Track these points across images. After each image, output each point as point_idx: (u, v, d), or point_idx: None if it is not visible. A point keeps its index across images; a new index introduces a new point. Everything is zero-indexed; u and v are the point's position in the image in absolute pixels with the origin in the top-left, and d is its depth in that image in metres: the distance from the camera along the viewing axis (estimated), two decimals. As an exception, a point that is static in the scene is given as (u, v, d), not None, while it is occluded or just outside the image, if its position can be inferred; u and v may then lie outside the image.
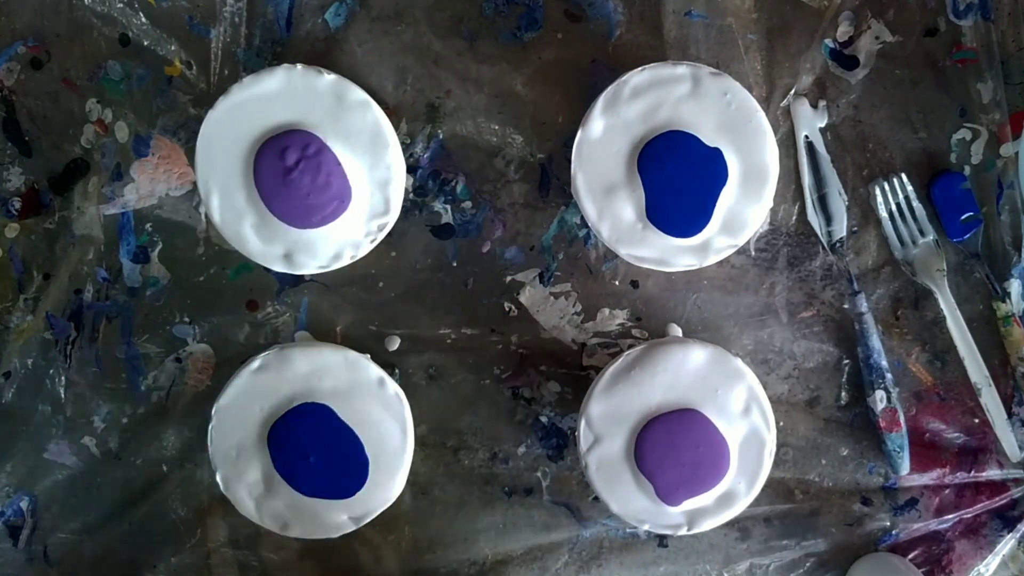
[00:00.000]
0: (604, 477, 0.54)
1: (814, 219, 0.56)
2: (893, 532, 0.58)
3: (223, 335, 0.58)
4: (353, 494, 0.54)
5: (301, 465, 0.54)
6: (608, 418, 0.53)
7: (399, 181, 0.53)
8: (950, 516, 0.58)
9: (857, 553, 0.58)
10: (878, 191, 0.56)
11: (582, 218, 0.55)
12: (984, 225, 0.56)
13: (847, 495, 0.58)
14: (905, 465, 0.56)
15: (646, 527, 0.54)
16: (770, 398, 0.54)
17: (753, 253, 0.57)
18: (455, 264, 0.57)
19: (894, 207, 0.56)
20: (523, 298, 0.57)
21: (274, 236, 0.52)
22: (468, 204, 0.56)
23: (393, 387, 0.54)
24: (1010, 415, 0.56)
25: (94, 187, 0.56)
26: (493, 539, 0.58)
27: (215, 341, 0.58)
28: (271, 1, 0.55)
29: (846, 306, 0.57)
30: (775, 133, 0.53)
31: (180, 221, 0.57)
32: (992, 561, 0.58)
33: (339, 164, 0.51)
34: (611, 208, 0.52)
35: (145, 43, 0.55)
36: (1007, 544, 0.58)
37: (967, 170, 0.56)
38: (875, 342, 0.56)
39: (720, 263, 0.54)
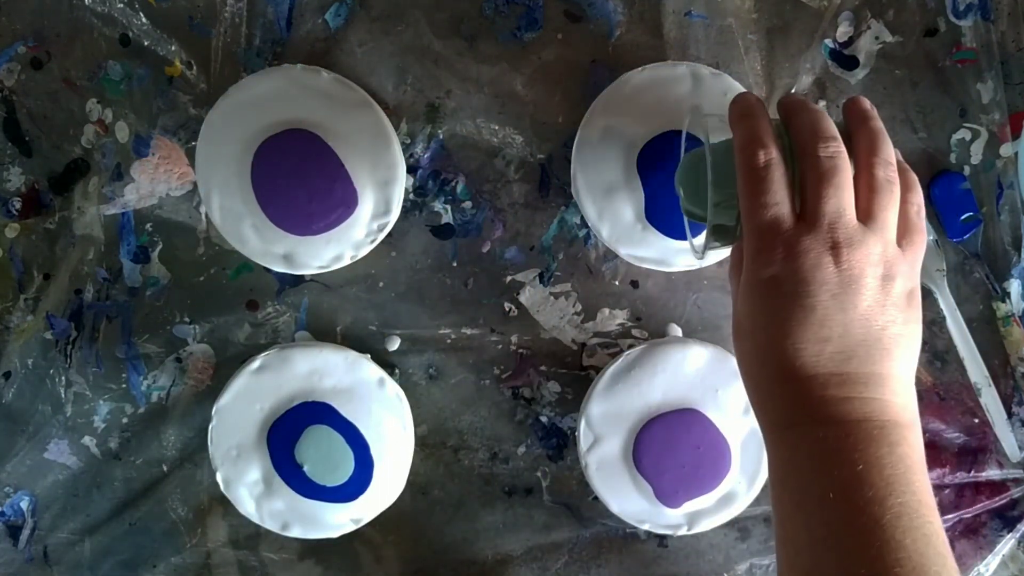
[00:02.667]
0: (604, 477, 0.54)
1: (814, 219, 0.56)
2: (893, 532, 0.58)
3: (223, 335, 0.58)
4: (357, 497, 0.54)
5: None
6: (608, 418, 0.53)
7: (399, 181, 0.53)
8: (950, 516, 0.58)
9: (857, 553, 0.58)
10: (878, 191, 0.56)
11: (582, 218, 0.55)
12: (984, 225, 0.56)
13: (847, 495, 0.58)
14: (905, 465, 0.56)
15: (646, 527, 0.54)
16: (770, 398, 0.54)
17: (753, 253, 0.57)
18: (455, 264, 0.57)
19: (894, 207, 0.56)
20: (523, 298, 0.57)
21: (274, 236, 0.52)
22: (468, 204, 0.56)
23: (393, 387, 0.54)
24: (1010, 415, 0.56)
25: (94, 187, 0.56)
26: (493, 539, 0.58)
27: (215, 341, 0.58)
28: (271, 1, 0.55)
29: (846, 306, 0.57)
30: (775, 133, 0.53)
31: (180, 221, 0.57)
32: (992, 561, 0.58)
33: (343, 166, 0.51)
34: (611, 208, 0.52)
35: (145, 43, 0.55)
36: (1007, 544, 0.58)
37: (967, 170, 0.56)
38: (875, 342, 0.55)
39: (720, 263, 0.54)
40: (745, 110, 0.41)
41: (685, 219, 0.49)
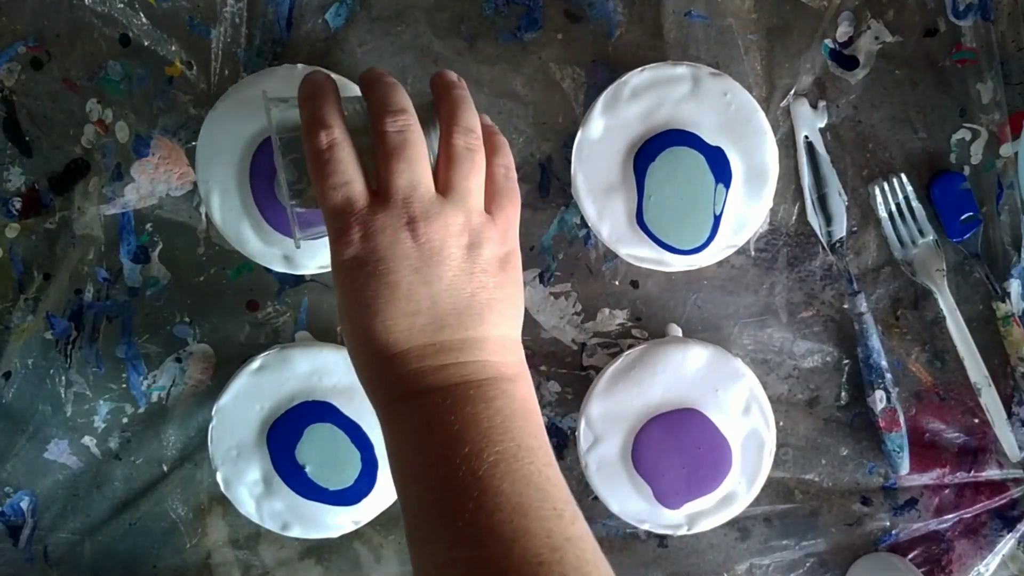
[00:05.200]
0: (604, 477, 0.54)
1: (814, 219, 0.56)
2: (893, 532, 0.58)
3: (223, 335, 0.58)
4: (361, 500, 0.54)
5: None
6: (608, 418, 0.53)
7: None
8: (950, 516, 0.58)
9: (857, 553, 0.58)
10: (878, 191, 0.56)
11: (582, 218, 0.55)
12: (984, 225, 0.56)
13: (847, 495, 0.58)
14: (905, 465, 0.56)
15: (646, 527, 0.54)
16: (770, 398, 0.54)
17: (753, 253, 0.57)
18: (455, 264, 0.57)
19: (894, 207, 0.56)
20: (523, 298, 0.57)
21: (274, 236, 0.52)
22: (468, 204, 0.56)
23: (393, 387, 0.54)
24: (1010, 415, 0.56)
25: (94, 187, 0.56)
26: (493, 539, 0.58)
27: (215, 341, 0.58)
28: (271, 1, 0.55)
29: (846, 306, 0.57)
30: (775, 133, 0.53)
31: (180, 221, 0.57)
32: (992, 561, 0.58)
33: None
34: (611, 208, 0.52)
35: (145, 43, 0.55)
36: (1007, 544, 0.58)
37: (967, 170, 0.56)
38: (875, 342, 0.56)
39: (720, 263, 0.54)
40: (310, 91, 0.40)
41: (289, 210, 0.44)
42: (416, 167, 0.38)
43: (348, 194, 0.38)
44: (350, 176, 0.38)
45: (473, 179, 0.39)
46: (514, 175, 0.41)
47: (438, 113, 0.41)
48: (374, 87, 0.40)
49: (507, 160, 0.41)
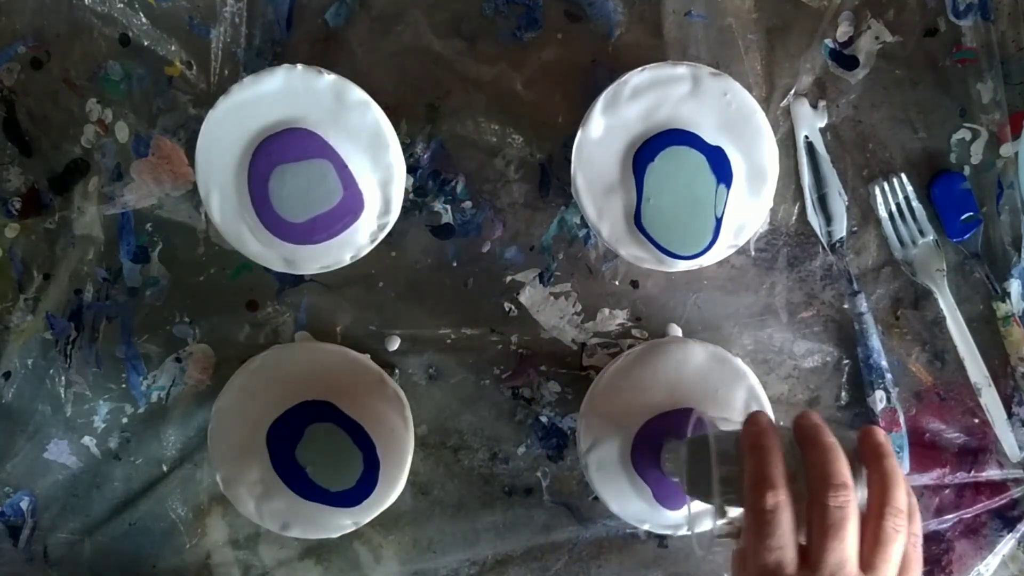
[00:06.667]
0: (604, 477, 0.54)
1: (814, 219, 0.56)
2: (893, 532, 0.58)
3: (223, 335, 0.58)
4: (362, 501, 0.54)
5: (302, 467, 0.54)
6: (608, 418, 0.53)
7: (399, 181, 0.53)
8: (950, 516, 0.58)
9: (857, 553, 0.58)
10: (878, 191, 0.56)
11: (582, 218, 0.55)
12: (984, 225, 0.56)
13: (847, 495, 0.58)
14: (905, 465, 0.56)
15: (646, 527, 0.54)
16: (770, 398, 0.54)
17: (753, 253, 0.57)
18: (455, 264, 0.57)
19: (894, 207, 0.56)
20: (523, 298, 0.57)
21: (274, 239, 0.52)
22: (468, 204, 0.56)
23: (393, 387, 0.54)
24: (1010, 415, 0.56)
25: (94, 187, 0.56)
26: (493, 539, 0.58)
27: (215, 341, 0.58)
28: (271, 1, 0.55)
29: (846, 306, 0.57)
30: (775, 133, 0.53)
31: (180, 221, 0.57)
32: (992, 561, 0.58)
33: (346, 167, 0.51)
34: (611, 208, 0.52)
35: (145, 43, 0.55)
36: (1007, 544, 0.58)
37: (967, 170, 0.56)
38: (875, 342, 0.56)
39: (720, 263, 0.54)
40: (757, 439, 0.42)
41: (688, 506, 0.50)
42: (847, 545, 0.39)
43: (781, 559, 0.39)
44: (786, 540, 0.39)
45: (894, 560, 0.40)
46: (921, 542, 0.42)
47: (864, 475, 0.42)
48: (814, 450, 0.41)
49: (919, 527, 0.42)
